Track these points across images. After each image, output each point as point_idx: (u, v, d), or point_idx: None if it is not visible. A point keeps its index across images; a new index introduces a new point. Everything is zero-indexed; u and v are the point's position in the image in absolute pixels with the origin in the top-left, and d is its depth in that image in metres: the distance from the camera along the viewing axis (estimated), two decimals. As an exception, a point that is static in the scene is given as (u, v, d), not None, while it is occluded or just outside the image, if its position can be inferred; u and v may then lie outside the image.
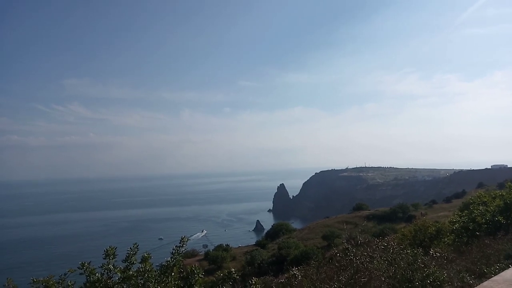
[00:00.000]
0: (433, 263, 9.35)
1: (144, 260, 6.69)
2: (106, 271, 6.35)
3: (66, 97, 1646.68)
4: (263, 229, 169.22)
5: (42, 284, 6.06)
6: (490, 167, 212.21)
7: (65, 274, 6.26)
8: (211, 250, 59.17)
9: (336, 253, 10.32)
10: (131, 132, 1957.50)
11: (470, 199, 20.81)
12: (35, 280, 6.12)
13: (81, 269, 6.27)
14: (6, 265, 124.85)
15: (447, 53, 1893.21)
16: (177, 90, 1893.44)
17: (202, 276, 6.87)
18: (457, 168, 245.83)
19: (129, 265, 6.53)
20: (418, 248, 11.57)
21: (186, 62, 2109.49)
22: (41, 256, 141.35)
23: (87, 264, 6.32)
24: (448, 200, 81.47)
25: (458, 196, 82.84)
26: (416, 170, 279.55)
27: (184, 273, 6.84)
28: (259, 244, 60.81)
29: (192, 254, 56.60)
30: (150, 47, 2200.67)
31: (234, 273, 7.08)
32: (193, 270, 6.76)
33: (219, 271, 7.78)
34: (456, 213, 21.39)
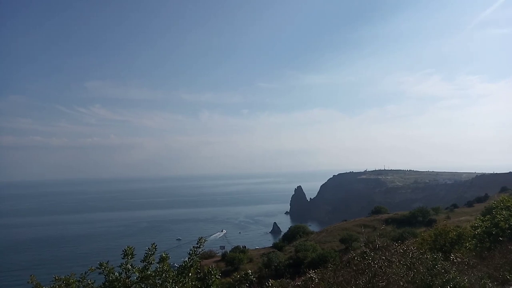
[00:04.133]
0: (454, 269, 9.17)
1: (162, 260, 6.77)
2: (124, 270, 6.44)
3: (88, 99, 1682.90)
4: (280, 231, 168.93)
5: (63, 282, 6.21)
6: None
7: (85, 273, 6.39)
8: (228, 251, 59.35)
9: (354, 257, 10.21)
10: (150, 133, 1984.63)
11: (493, 203, 20.30)
12: (57, 277, 6.28)
13: (100, 268, 6.38)
14: (29, 263, 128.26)
15: (470, 54, 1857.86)
16: (196, 91, 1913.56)
17: (219, 277, 6.89)
18: (479, 172, 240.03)
19: (147, 265, 6.61)
20: (438, 253, 11.36)
21: (204, 63, 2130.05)
22: (63, 254, 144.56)
23: (106, 263, 6.43)
24: (469, 204, 79.67)
25: (480, 200, 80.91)
26: (436, 173, 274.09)
27: (201, 273, 6.88)
28: (276, 246, 60.65)
29: (209, 255, 56.89)
30: (169, 48, 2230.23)
31: (251, 275, 7.07)
32: (210, 271, 6.80)
33: (235, 273, 7.77)
34: (478, 217, 20.91)
